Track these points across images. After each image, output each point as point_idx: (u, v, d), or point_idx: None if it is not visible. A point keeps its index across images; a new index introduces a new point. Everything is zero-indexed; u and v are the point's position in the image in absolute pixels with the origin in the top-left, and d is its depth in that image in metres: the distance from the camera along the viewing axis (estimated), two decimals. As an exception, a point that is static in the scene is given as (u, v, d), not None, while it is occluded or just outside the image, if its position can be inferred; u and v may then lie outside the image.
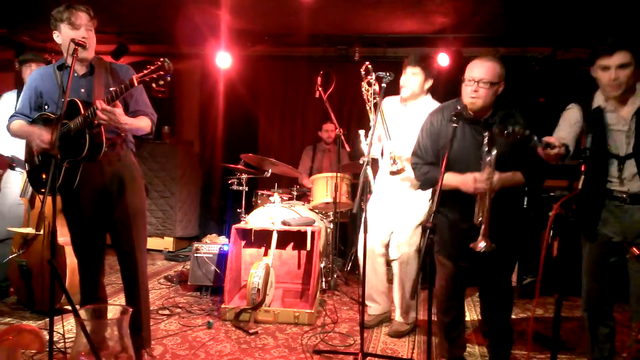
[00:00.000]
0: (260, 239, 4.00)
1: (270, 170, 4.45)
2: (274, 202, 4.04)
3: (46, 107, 2.50)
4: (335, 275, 4.40)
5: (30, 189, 3.45)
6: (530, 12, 4.36)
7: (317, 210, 4.45)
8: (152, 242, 5.67)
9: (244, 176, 4.49)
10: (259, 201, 4.74)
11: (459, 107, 2.33)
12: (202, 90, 6.41)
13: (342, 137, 3.89)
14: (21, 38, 5.45)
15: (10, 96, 3.67)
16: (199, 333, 3.23)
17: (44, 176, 2.49)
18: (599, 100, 2.33)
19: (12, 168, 3.65)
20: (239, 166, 4.46)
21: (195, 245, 4.12)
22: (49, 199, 2.02)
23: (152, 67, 2.26)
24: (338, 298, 4.08)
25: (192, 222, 6.14)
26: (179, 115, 6.60)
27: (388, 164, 3.10)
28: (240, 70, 5.85)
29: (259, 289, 3.41)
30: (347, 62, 5.63)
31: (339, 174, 3.92)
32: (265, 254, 3.99)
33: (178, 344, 3.05)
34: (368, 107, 3.15)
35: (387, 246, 3.39)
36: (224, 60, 5.52)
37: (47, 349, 1.98)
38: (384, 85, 2.90)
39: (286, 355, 2.93)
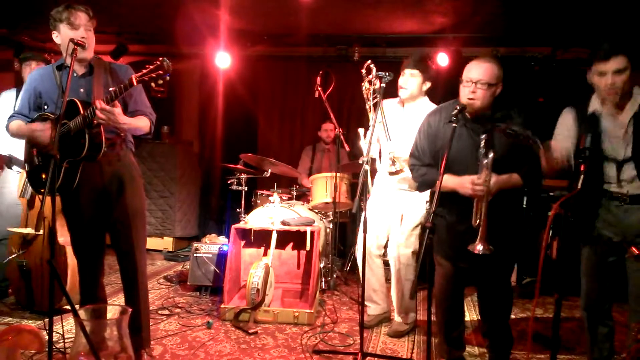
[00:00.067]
0: (259, 239, 4.00)
1: (269, 170, 4.45)
2: (273, 202, 4.04)
3: (45, 107, 2.50)
4: (334, 275, 4.40)
5: (29, 189, 3.45)
6: (529, 12, 4.37)
7: (316, 210, 4.45)
8: (152, 242, 5.67)
9: (244, 176, 4.49)
10: (259, 201, 4.74)
11: (458, 107, 2.33)
12: (202, 90, 6.41)
13: (342, 137, 3.89)
14: (21, 38, 5.45)
15: (9, 95, 3.67)
16: (198, 333, 3.23)
17: (43, 176, 2.49)
18: (595, 104, 2.31)
19: (10, 167, 3.65)
20: (238, 166, 4.46)
21: (195, 245, 4.12)
22: (48, 199, 2.02)
23: (151, 67, 2.26)
24: (337, 298, 4.08)
25: (191, 222, 6.14)
26: (178, 115, 6.59)
27: (387, 164, 3.11)
28: (240, 70, 5.86)
29: (258, 289, 3.41)
30: (347, 62, 5.64)
31: (338, 174, 3.92)
32: (265, 254, 3.99)
33: (177, 344, 3.05)
34: (368, 106, 3.15)
35: (385, 247, 3.39)
36: (223, 60, 5.52)
37: (47, 349, 1.98)
38: (383, 85, 2.90)
39: (286, 355, 2.93)
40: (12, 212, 3.60)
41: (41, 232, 3.41)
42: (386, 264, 3.46)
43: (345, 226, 5.32)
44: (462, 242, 2.36)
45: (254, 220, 3.96)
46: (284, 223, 3.79)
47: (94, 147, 2.37)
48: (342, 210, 4.57)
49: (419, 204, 3.23)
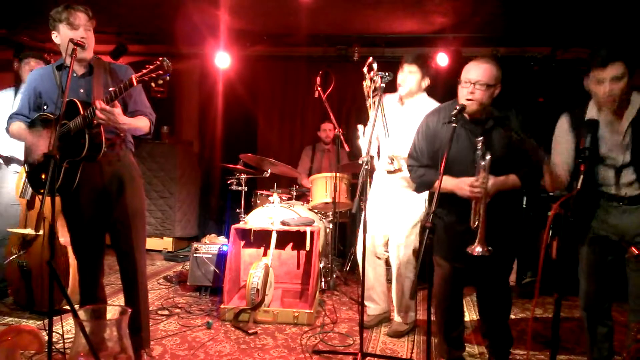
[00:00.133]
0: (259, 239, 4.00)
1: (269, 171, 4.45)
2: (273, 202, 4.04)
3: (45, 107, 2.50)
4: (334, 275, 4.40)
5: (30, 189, 3.44)
6: (529, 12, 4.37)
7: (316, 210, 4.45)
8: (151, 243, 5.67)
9: (243, 176, 4.49)
10: (258, 201, 4.74)
11: (457, 107, 2.33)
12: (201, 90, 6.41)
13: (341, 137, 3.89)
14: (20, 38, 5.45)
15: (7, 94, 3.66)
16: (198, 333, 3.22)
17: (43, 176, 2.49)
18: (592, 110, 2.31)
19: (8, 165, 3.64)
20: (238, 166, 4.46)
21: (195, 245, 4.12)
22: (48, 199, 2.02)
23: (151, 67, 2.26)
24: (337, 298, 4.08)
25: (191, 222, 6.14)
26: (178, 115, 6.59)
27: (385, 162, 3.11)
28: (240, 70, 5.85)
29: (258, 289, 3.41)
30: (347, 62, 5.64)
31: (338, 174, 3.92)
32: (265, 254, 3.99)
33: (177, 344, 3.05)
34: (368, 104, 3.15)
35: (385, 246, 3.39)
36: (223, 60, 5.52)
37: (46, 350, 1.98)
38: (383, 85, 2.90)
39: (285, 356, 2.93)
40: (9, 212, 3.60)
41: (41, 232, 3.41)
42: (387, 263, 3.46)
43: (345, 226, 5.32)
44: (461, 242, 2.36)
45: (254, 220, 3.96)
46: (283, 223, 3.79)
47: (94, 148, 2.37)
48: (341, 210, 4.56)
49: (418, 202, 3.23)
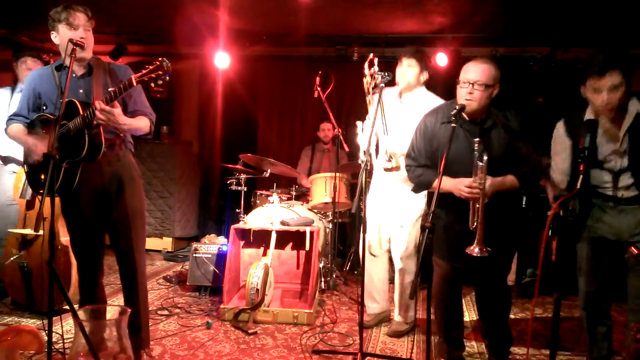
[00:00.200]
0: (259, 239, 4.00)
1: (269, 171, 4.45)
2: (272, 202, 4.04)
3: (44, 108, 2.49)
4: (334, 275, 4.41)
5: (29, 190, 3.44)
6: (529, 12, 4.37)
7: (315, 210, 4.45)
8: (151, 243, 5.67)
9: (243, 176, 4.49)
10: (258, 201, 4.74)
11: (457, 107, 2.33)
12: (201, 90, 6.41)
13: (341, 137, 3.89)
14: (20, 38, 5.45)
15: (4, 93, 3.66)
16: (198, 333, 3.22)
17: (42, 177, 2.49)
18: (589, 117, 2.31)
19: (5, 164, 3.64)
20: (237, 166, 4.46)
21: (194, 245, 4.12)
22: (47, 199, 2.02)
23: (150, 67, 2.26)
24: (337, 298, 4.08)
25: (190, 222, 6.14)
26: (178, 115, 6.59)
27: (383, 159, 3.11)
28: (239, 70, 5.86)
29: (257, 289, 3.41)
30: (346, 62, 5.64)
31: (337, 174, 3.92)
32: (264, 254, 3.99)
33: (177, 344, 3.05)
34: (368, 100, 3.15)
35: (387, 243, 3.39)
36: (222, 60, 5.52)
37: (46, 350, 1.98)
38: (382, 84, 2.90)
39: (285, 356, 2.93)
40: (7, 212, 3.60)
41: (41, 232, 3.41)
42: (390, 262, 3.46)
43: (345, 226, 5.32)
44: (459, 243, 2.37)
45: (254, 220, 3.96)
46: (283, 223, 3.79)
47: (93, 148, 2.37)
48: (341, 210, 4.57)
49: (419, 197, 3.23)
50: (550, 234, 1.93)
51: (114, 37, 5.48)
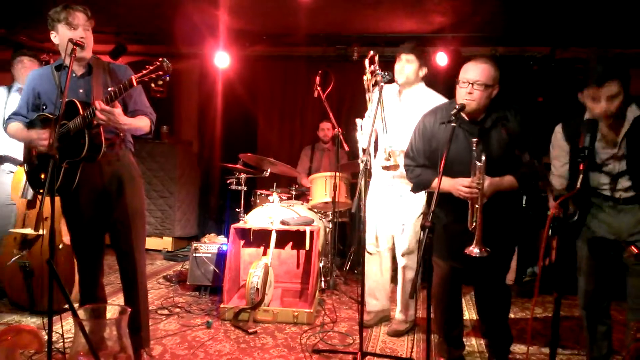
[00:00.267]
0: (259, 238, 4.01)
1: (269, 170, 4.45)
2: (272, 202, 4.04)
3: (44, 107, 2.50)
4: (334, 275, 4.41)
5: (30, 189, 3.44)
6: (528, 11, 4.37)
7: (315, 210, 4.46)
8: (151, 242, 5.67)
9: (243, 176, 4.49)
10: (258, 201, 4.74)
11: (457, 107, 2.33)
12: (201, 90, 6.41)
13: (341, 137, 3.89)
14: (19, 38, 5.45)
15: (1, 92, 3.66)
16: (198, 333, 3.23)
17: (42, 176, 2.49)
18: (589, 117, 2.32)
19: (2, 163, 3.64)
20: (237, 166, 4.46)
21: (194, 245, 4.12)
22: (47, 199, 2.02)
23: (151, 67, 2.26)
24: (337, 297, 4.09)
25: (190, 221, 6.14)
26: (178, 115, 6.59)
27: (382, 158, 3.11)
28: (239, 70, 5.86)
29: (258, 289, 3.41)
30: (346, 61, 5.64)
31: (337, 174, 3.92)
32: (264, 253, 3.99)
33: (177, 343, 3.05)
34: (368, 97, 3.15)
35: (390, 242, 3.39)
36: (222, 60, 5.52)
37: (46, 349, 1.98)
38: (382, 84, 2.91)
39: (285, 355, 2.93)
40: (4, 212, 3.59)
41: (41, 232, 3.41)
42: (392, 261, 3.46)
43: (345, 226, 5.32)
44: (458, 243, 2.37)
45: (254, 220, 3.96)
46: (283, 223, 3.80)
47: (93, 148, 2.37)
48: (341, 209, 4.57)
49: (419, 195, 3.23)
50: (550, 233, 1.94)
51: (113, 36, 5.48)
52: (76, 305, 1.19)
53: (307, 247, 3.73)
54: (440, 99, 3.15)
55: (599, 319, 2.44)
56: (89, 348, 1.04)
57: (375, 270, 3.44)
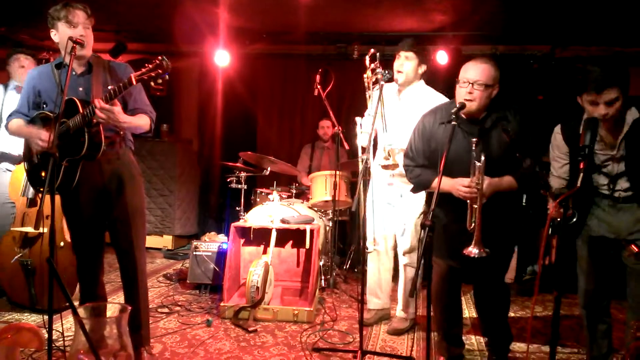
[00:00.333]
0: (259, 237, 4.01)
1: (269, 169, 4.45)
2: (272, 200, 4.04)
3: (44, 105, 2.50)
4: (334, 273, 4.41)
5: (31, 188, 3.43)
6: (529, 10, 4.36)
7: (316, 208, 4.45)
8: (151, 241, 5.67)
9: (243, 174, 4.49)
10: (258, 199, 4.74)
11: (458, 105, 2.33)
12: (201, 88, 6.41)
13: (341, 135, 3.89)
14: (19, 36, 5.45)
15: None
16: (198, 331, 3.23)
17: (43, 174, 2.49)
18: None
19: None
20: (237, 164, 4.46)
21: (194, 243, 4.12)
22: (47, 197, 2.02)
23: (150, 66, 2.26)
24: (337, 296, 4.09)
25: (191, 220, 6.14)
26: (178, 113, 6.59)
27: (381, 157, 3.11)
28: (239, 68, 5.85)
29: (258, 287, 3.41)
30: (346, 60, 5.63)
31: (337, 172, 3.92)
32: (264, 252, 3.99)
33: (177, 342, 3.06)
34: (368, 95, 3.15)
35: (392, 240, 3.38)
36: (222, 58, 5.51)
37: (46, 348, 1.98)
38: (382, 82, 2.90)
39: (285, 353, 2.93)
40: (1, 211, 3.59)
41: (41, 230, 3.40)
42: (394, 260, 3.46)
43: (345, 224, 5.32)
44: (457, 242, 2.37)
45: (254, 218, 3.96)
46: (283, 221, 3.80)
47: (93, 146, 2.37)
48: (341, 208, 4.56)
49: (420, 194, 3.23)
50: (550, 232, 1.94)
51: (113, 34, 5.47)
52: (76, 304, 1.19)
53: (307, 245, 3.73)
54: (439, 98, 3.14)
55: (599, 317, 2.44)
56: (89, 346, 1.04)
57: (376, 269, 3.44)
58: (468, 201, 2.36)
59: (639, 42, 4.86)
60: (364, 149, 3.03)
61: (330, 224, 4.42)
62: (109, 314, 1.15)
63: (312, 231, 3.72)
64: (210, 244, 4.09)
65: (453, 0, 4.26)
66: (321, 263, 4.25)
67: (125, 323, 1.10)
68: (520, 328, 3.44)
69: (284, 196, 4.52)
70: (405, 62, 3.17)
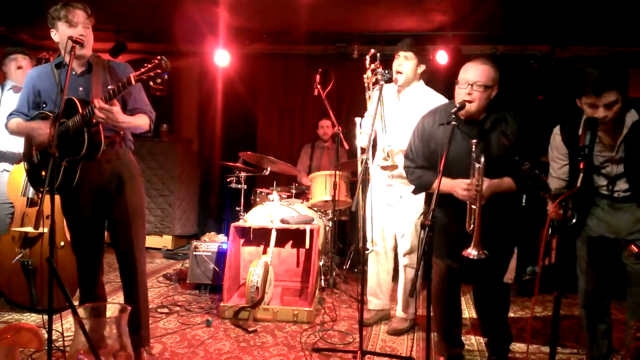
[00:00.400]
0: (259, 237, 4.00)
1: (269, 169, 4.45)
2: (272, 200, 4.04)
3: (44, 105, 2.50)
4: (334, 273, 4.41)
5: (31, 188, 3.43)
6: (529, 10, 4.36)
7: (315, 208, 4.45)
8: (151, 241, 5.67)
9: (243, 174, 4.49)
10: (258, 199, 4.74)
11: (457, 105, 2.33)
12: (201, 88, 6.41)
13: (341, 135, 3.89)
14: (20, 36, 5.44)
15: None
16: (198, 331, 3.23)
17: (43, 174, 2.49)
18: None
19: None
20: (237, 164, 4.46)
21: (194, 243, 4.12)
22: (47, 197, 2.02)
23: (149, 66, 2.26)
24: (337, 296, 4.09)
25: (190, 220, 6.14)
26: (178, 113, 6.59)
27: (380, 157, 3.10)
28: (239, 68, 5.85)
29: (258, 287, 3.41)
30: (346, 60, 5.63)
31: (337, 172, 3.92)
32: (264, 252, 3.99)
33: (177, 342, 3.05)
34: (368, 95, 3.15)
35: (392, 241, 3.38)
36: (222, 58, 5.51)
37: (46, 348, 1.98)
38: (382, 82, 2.90)
39: (285, 353, 2.93)
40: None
41: (41, 230, 3.40)
42: (394, 260, 3.46)
43: (345, 224, 5.32)
44: (456, 243, 2.37)
45: (254, 218, 3.95)
46: (283, 221, 3.79)
47: (93, 146, 2.36)
48: (341, 208, 4.56)
49: (420, 195, 3.23)
50: (549, 232, 1.94)
51: (113, 34, 5.46)
52: (76, 304, 1.19)
53: (307, 245, 3.73)
54: (439, 98, 3.14)
55: (599, 317, 2.44)
56: (89, 346, 1.04)
57: (376, 270, 3.44)
58: (467, 202, 2.36)
59: (640, 42, 4.86)
60: (363, 150, 3.03)
61: (330, 224, 4.42)
62: (108, 314, 1.15)
63: (312, 231, 3.72)
64: (210, 244, 4.09)
65: (453, 0, 4.26)
66: (321, 263, 4.25)
67: (125, 323, 1.10)
68: (520, 328, 3.44)
69: (283, 196, 4.52)
70: (405, 62, 3.17)
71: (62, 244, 3.36)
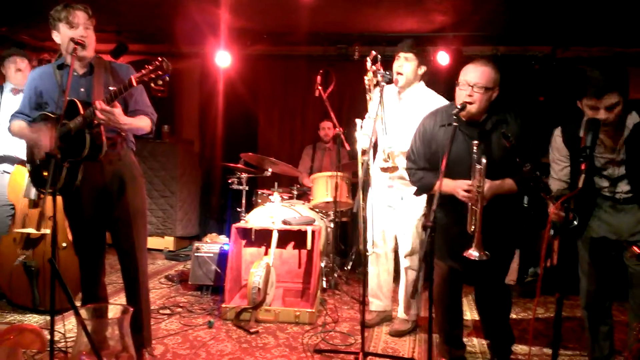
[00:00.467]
0: (260, 238, 4.00)
1: (270, 170, 4.45)
2: (274, 202, 4.03)
3: (46, 106, 2.50)
4: (335, 275, 4.41)
5: (33, 189, 3.43)
6: (530, 10, 4.36)
7: (317, 210, 4.45)
8: (153, 242, 5.67)
9: (244, 175, 4.48)
10: (259, 200, 4.73)
11: (459, 106, 2.33)
12: (202, 89, 6.41)
13: (342, 136, 3.89)
14: (20, 37, 5.45)
15: None
16: (199, 332, 3.23)
17: (45, 174, 2.49)
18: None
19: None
20: (239, 165, 4.46)
21: (196, 244, 4.12)
22: (49, 198, 2.02)
23: (150, 67, 2.26)
24: (339, 297, 4.08)
25: (192, 221, 6.14)
26: (179, 114, 6.59)
27: (381, 159, 3.10)
28: (240, 69, 5.85)
29: (259, 288, 3.41)
30: (347, 60, 5.63)
31: (339, 173, 3.92)
32: (266, 253, 3.99)
33: (179, 343, 3.05)
34: (368, 97, 3.14)
35: (393, 242, 3.38)
36: (223, 59, 5.51)
37: (48, 349, 1.98)
38: (383, 83, 2.90)
39: (287, 355, 2.93)
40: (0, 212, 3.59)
41: (43, 231, 3.40)
42: (395, 261, 3.46)
43: (346, 225, 5.32)
44: (458, 244, 2.37)
45: (255, 219, 3.95)
46: (284, 222, 3.79)
47: (94, 147, 2.37)
48: (342, 209, 4.56)
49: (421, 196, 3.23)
50: (552, 234, 1.93)
51: (114, 35, 5.47)
52: (78, 305, 1.19)
53: (309, 246, 3.72)
54: (440, 100, 3.14)
55: (601, 319, 2.43)
56: (91, 347, 1.04)
57: (377, 271, 3.43)
58: (469, 204, 2.35)
59: (641, 42, 4.86)
60: (364, 152, 3.03)
61: (332, 225, 4.41)
62: (110, 315, 1.15)
63: (313, 232, 3.72)
64: (212, 245, 4.09)
65: (453, 1, 4.26)
66: (322, 264, 4.24)
67: (127, 324, 1.10)
68: (522, 330, 3.43)
69: (285, 197, 4.52)
70: (405, 64, 3.17)
71: (64, 244, 3.36)
